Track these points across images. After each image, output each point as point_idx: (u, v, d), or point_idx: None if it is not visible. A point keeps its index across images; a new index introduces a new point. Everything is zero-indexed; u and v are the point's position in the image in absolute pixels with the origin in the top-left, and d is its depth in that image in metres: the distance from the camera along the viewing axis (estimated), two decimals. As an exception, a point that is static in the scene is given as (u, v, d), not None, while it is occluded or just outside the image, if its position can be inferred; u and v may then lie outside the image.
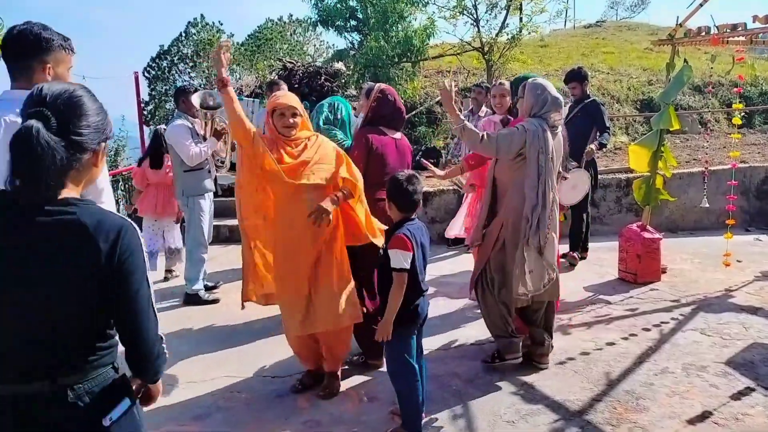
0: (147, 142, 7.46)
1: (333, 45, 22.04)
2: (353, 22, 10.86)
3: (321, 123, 4.31)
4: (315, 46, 23.19)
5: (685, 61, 5.27)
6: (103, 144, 1.58)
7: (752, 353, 3.99)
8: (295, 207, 3.37)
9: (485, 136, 3.59)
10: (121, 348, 1.64)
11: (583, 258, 6.27)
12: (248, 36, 22.06)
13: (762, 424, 3.18)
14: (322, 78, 10.71)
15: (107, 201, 2.47)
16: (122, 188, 8.94)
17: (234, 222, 7.57)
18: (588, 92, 6.14)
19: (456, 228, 5.22)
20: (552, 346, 3.95)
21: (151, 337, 1.59)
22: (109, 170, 3.45)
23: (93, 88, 1.61)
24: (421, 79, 11.13)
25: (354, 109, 4.69)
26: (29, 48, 2.39)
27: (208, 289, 5.50)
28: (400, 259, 2.92)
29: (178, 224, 5.98)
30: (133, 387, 1.69)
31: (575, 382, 3.70)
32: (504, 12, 10.85)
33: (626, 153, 9.57)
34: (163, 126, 5.57)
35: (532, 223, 3.57)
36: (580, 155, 5.63)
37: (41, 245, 1.45)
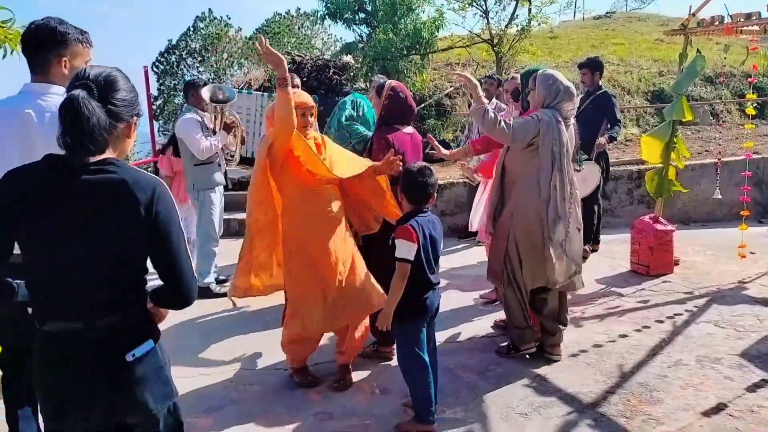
0: (157, 137, 7.48)
1: (341, 38, 22.04)
2: (362, 15, 10.82)
3: (343, 119, 4.29)
4: (323, 39, 23.14)
5: (698, 51, 5.21)
6: (134, 117, 1.82)
7: (767, 345, 3.95)
8: (317, 202, 3.42)
9: (502, 122, 3.59)
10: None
11: (594, 251, 6.23)
12: (256, 30, 22.03)
13: (778, 416, 3.15)
14: (331, 71, 10.68)
15: None
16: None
17: (244, 216, 7.60)
18: (600, 84, 6.08)
19: (477, 221, 5.19)
20: (563, 337, 3.93)
21: (186, 274, 1.82)
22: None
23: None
24: (430, 71, 11.08)
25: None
26: (46, 42, 2.47)
27: (219, 282, 5.51)
28: (403, 250, 2.92)
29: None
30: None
31: (588, 375, 3.68)
32: (513, 3, 10.80)
33: (637, 145, 9.52)
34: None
35: (549, 217, 3.55)
36: (590, 147, 5.59)
37: (90, 199, 1.68)
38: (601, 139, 5.71)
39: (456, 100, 10.24)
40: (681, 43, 5.29)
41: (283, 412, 3.36)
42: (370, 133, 4.14)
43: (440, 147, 4.20)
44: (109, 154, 1.74)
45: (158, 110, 18.73)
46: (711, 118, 10.85)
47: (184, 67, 21.87)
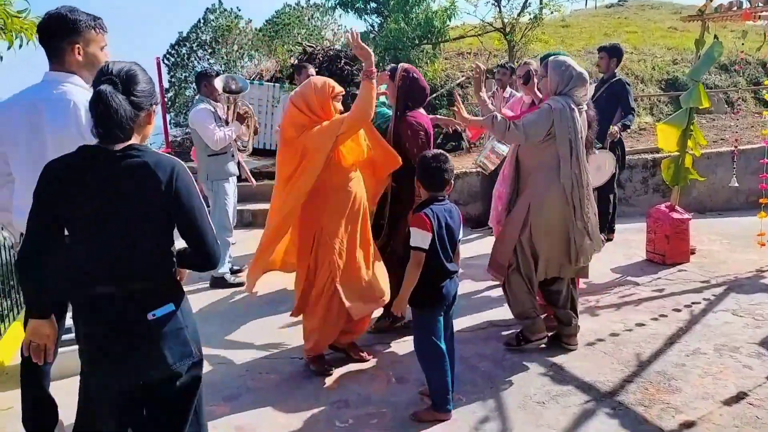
0: (170, 129, 7.53)
1: (351, 29, 21.89)
2: (373, 5, 10.74)
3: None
4: (333, 30, 23.03)
5: (716, 37, 5.14)
6: (153, 106, 2.05)
7: (787, 334, 3.92)
8: (350, 187, 3.52)
9: (512, 126, 3.55)
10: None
11: (609, 240, 6.18)
12: (266, 21, 21.90)
13: (799, 405, 3.12)
14: (342, 61, 10.63)
15: None
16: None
17: (257, 206, 7.62)
18: (615, 72, 6.01)
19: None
20: (579, 326, 3.91)
21: (209, 240, 2.06)
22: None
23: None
24: (442, 61, 11.00)
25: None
26: (58, 30, 2.52)
27: (233, 272, 5.53)
28: (418, 238, 2.91)
29: None
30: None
31: (605, 363, 3.66)
32: (526, -9, 10.68)
33: (651, 133, 9.44)
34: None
35: (574, 203, 3.53)
36: (604, 136, 5.54)
37: (119, 181, 1.92)
38: (614, 128, 5.66)
39: (468, 90, 10.15)
40: (695, 31, 5.21)
41: (300, 401, 3.37)
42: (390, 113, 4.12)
43: (462, 108, 3.99)
44: (133, 140, 1.99)
45: (170, 102, 18.75)
46: (726, 106, 10.73)
47: (195, 59, 21.80)
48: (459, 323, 4.25)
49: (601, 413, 3.13)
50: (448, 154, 3.09)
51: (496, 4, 10.54)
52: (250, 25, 22.52)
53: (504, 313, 4.42)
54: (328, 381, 3.57)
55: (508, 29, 10.20)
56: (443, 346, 3.04)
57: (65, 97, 2.51)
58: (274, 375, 3.69)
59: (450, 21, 10.23)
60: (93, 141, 2.10)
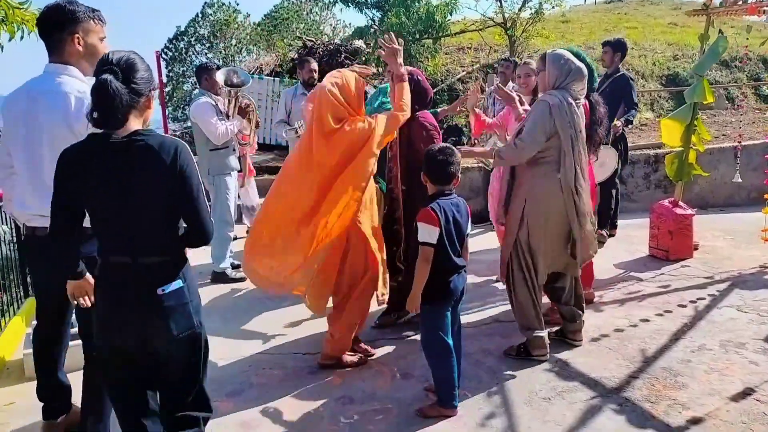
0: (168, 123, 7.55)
1: (350, 24, 21.82)
2: (373, -1, 10.69)
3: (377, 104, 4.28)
4: (332, 25, 22.95)
5: (720, 31, 5.11)
6: (152, 91, 2.18)
7: (792, 330, 3.91)
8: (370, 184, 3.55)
9: (516, 145, 3.50)
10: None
11: (612, 235, 6.17)
12: (264, 15, 21.84)
13: (806, 402, 3.11)
14: (342, 56, 10.59)
15: None
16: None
17: (258, 201, 7.56)
18: (619, 67, 5.98)
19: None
20: (583, 322, 3.89)
21: (205, 219, 2.21)
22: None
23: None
24: (442, 56, 10.97)
25: None
26: (57, 22, 2.56)
27: (234, 267, 5.49)
28: (425, 233, 2.88)
29: (250, 183, 6.66)
30: None
31: (610, 359, 3.64)
32: (527, -14, 10.62)
33: (653, 129, 9.43)
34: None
35: (575, 199, 3.49)
36: (607, 131, 5.51)
37: (127, 163, 2.07)
38: (617, 123, 5.63)
39: (468, 85, 10.13)
40: (695, 26, 5.21)
41: (304, 396, 3.34)
42: None
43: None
44: (137, 124, 2.13)
45: (168, 96, 18.67)
46: (726, 102, 10.71)
47: (193, 53, 21.72)
48: (463, 318, 4.16)
49: (607, 409, 3.11)
50: (454, 147, 3.06)
51: (497, -2, 10.49)
52: (249, 20, 22.43)
53: (508, 309, 4.40)
54: (333, 376, 3.54)
55: (509, 24, 10.16)
56: (450, 341, 3.01)
57: (60, 89, 2.53)
58: (278, 370, 3.67)
59: (451, 15, 10.18)
60: (80, 131, 2.36)
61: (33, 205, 2.62)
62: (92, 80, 2.50)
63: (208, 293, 5.08)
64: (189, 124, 13.64)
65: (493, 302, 4.64)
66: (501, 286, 4.89)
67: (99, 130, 2.08)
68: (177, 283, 2.18)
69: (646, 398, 3.19)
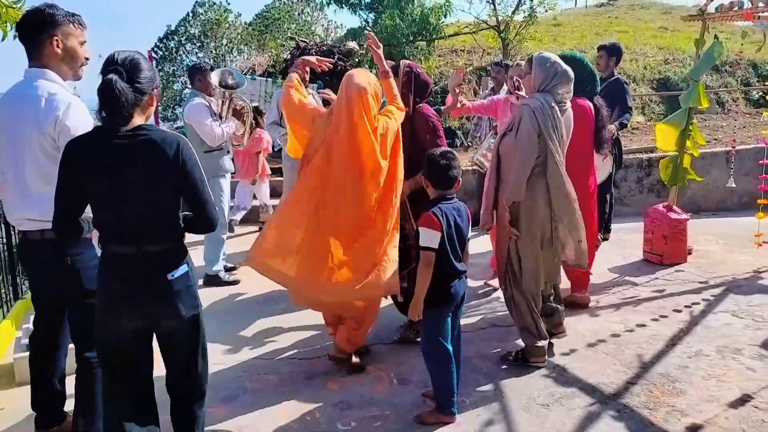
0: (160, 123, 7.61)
1: (341, 24, 21.79)
2: (367, 0, 10.67)
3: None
4: (323, 25, 22.90)
5: (716, 37, 5.13)
6: (155, 90, 2.29)
7: (788, 336, 3.91)
8: None
9: (516, 174, 3.43)
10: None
11: (605, 239, 6.15)
12: (256, 15, 21.77)
13: (804, 408, 3.11)
14: (335, 57, 10.54)
15: None
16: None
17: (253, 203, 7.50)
18: (614, 71, 5.99)
19: None
20: (563, 316, 3.90)
21: (209, 208, 2.35)
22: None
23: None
24: (435, 58, 10.96)
25: None
26: (36, 25, 2.59)
27: (227, 270, 5.44)
28: (427, 238, 2.85)
29: (263, 183, 7.06)
30: None
31: (608, 365, 3.63)
32: (520, -11, 10.65)
33: (644, 133, 9.47)
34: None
35: (566, 201, 3.46)
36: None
37: (132, 156, 2.18)
38: (611, 126, 5.62)
39: (462, 87, 10.13)
40: (685, 31, 5.23)
41: (300, 402, 3.30)
42: None
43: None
44: (140, 120, 2.24)
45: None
46: (717, 107, 10.78)
47: (183, 52, 21.60)
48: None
49: (606, 416, 3.10)
50: (454, 152, 3.04)
51: (490, 1, 10.52)
52: (240, 19, 22.33)
53: (504, 312, 4.38)
54: (330, 382, 3.51)
55: (502, 27, 10.17)
56: (450, 347, 2.99)
57: (33, 92, 2.55)
58: (273, 375, 3.63)
59: (445, 18, 10.18)
60: (49, 132, 2.48)
61: (19, 209, 2.63)
62: (71, 84, 2.70)
63: (201, 297, 5.01)
64: (180, 124, 13.54)
65: (489, 306, 4.62)
66: (495, 283, 4.86)
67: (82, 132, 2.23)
68: (183, 268, 2.35)
69: (644, 405, 3.18)
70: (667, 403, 3.19)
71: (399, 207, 3.46)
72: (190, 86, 5.51)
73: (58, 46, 2.59)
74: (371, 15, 10.55)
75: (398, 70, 3.91)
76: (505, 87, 6.36)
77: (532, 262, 3.53)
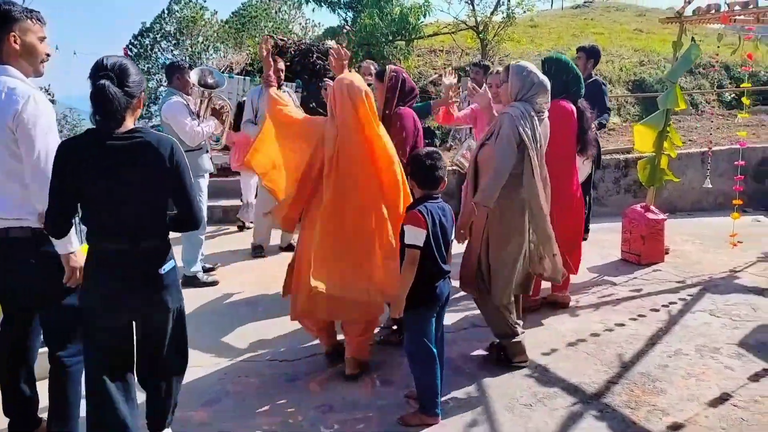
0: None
1: (319, 23, 21.70)
2: (346, -1, 10.65)
3: None
4: (301, 24, 22.78)
5: (693, 39, 5.19)
6: (143, 93, 2.42)
7: (764, 335, 3.96)
8: None
9: (492, 178, 3.37)
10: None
11: (584, 239, 6.20)
12: (232, 13, 21.59)
13: (782, 406, 3.15)
14: (314, 56, 10.48)
15: None
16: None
17: (228, 202, 7.43)
18: (592, 72, 6.04)
19: None
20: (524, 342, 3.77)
21: (196, 205, 2.51)
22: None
23: (83, 64, 2.39)
24: (415, 58, 10.96)
25: None
26: None
27: (206, 271, 5.37)
28: (412, 236, 2.84)
29: (252, 177, 6.64)
30: None
31: (589, 365, 3.65)
32: (499, -10, 10.69)
33: (620, 134, 9.56)
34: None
35: (542, 212, 3.46)
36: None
37: (127, 158, 2.30)
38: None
39: (440, 87, 10.14)
40: (659, 33, 5.29)
41: (283, 405, 3.27)
42: None
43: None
44: (130, 121, 2.37)
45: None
46: (691, 108, 10.93)
47: (159, 50, 21.32)
48: (441, 324, 4.20)
49: (588, 416, 3.11)
50: (440, 151, 3.03)
51: (469, 2, 10.54)
52: (216, 17, 22.09)
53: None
54: (312, 384, 3.47)
55: (481, 27, 10.20)
56: (434, 348, 2.97)
57: (6, 87, 2.52)
58: (254, 378, 3.58)
59: (424, 18, 10.18)
60: (9, 125, 2.46)
61: None
62: (33, 80, 2.69)
63: (179, 297, 4.95)
64: (155, 122, 13.33)
65: (470, 306, 4.59)
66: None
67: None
68: (171, 263, 2.52)
69: (626, 404, 3.21)
70: (648, 402, 3.22)
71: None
72: (166, 84, 5.42)
73: (15, 42, 2.58)
74: (350, 14, 10.52)
75: (384, 74, 3.91)
76: (485, 86, 6.37)
77: (505, 276, 3.51)
